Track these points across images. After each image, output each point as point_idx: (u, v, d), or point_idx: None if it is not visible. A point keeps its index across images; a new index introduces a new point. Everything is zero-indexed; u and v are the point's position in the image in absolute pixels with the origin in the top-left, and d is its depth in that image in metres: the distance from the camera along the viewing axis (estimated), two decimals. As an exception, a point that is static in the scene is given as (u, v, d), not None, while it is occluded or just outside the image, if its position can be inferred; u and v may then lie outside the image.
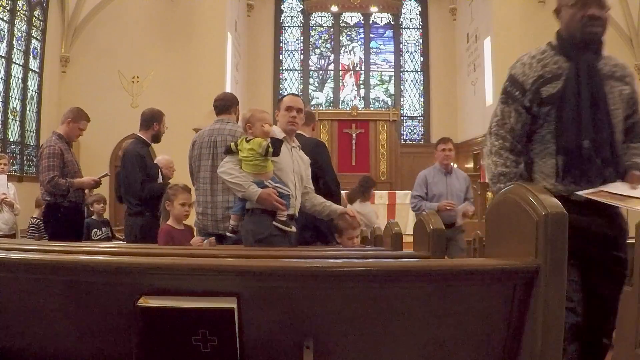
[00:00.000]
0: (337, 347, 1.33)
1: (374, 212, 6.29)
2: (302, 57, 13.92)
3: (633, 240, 3.20)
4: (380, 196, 10.74)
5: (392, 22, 14.00)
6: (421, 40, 13.88)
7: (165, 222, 3.58)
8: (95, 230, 5.67)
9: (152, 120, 4.34)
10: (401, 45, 13.97)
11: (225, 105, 4.04)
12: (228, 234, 3.26)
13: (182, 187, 3.63)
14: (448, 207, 4.90)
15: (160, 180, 4.48)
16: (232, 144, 3.16)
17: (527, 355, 1.29)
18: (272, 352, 1.33)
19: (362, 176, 6.73)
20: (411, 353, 1.34)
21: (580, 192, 2.02)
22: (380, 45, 14.09)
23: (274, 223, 3.05)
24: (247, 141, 3.08)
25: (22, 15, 9.69)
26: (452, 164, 5.35)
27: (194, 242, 3.51)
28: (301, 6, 13.75)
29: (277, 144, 3.06)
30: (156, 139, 4.41)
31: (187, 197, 3.58)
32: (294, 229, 3.16)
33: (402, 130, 13.67)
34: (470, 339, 1.34)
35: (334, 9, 12.49)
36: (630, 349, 3.04)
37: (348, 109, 13.13)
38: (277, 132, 3.23)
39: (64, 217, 4.18)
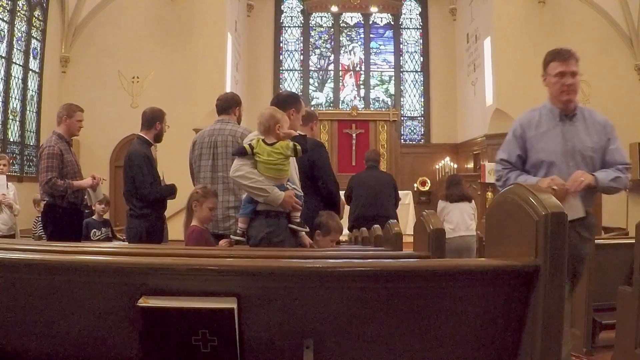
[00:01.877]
0: (337, 347, 1.33)
1: None
2: (302, 57, 13.91)
3: (633, 241, 3.20)
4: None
5: (392, 22, 13.99)
6: (421, 41, 13.87)
7: (189, 222, 3.53)
8: (95, 230, 5.65)
9: (154, 120, 4.27)
10: (401, 45, 13.96)
11: (224, 105, 4.03)
12: (237, 237, 3.12)
13: (213, 191, 3.58)
14: (554, 188, 2.48)
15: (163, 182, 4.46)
16: (247, 146, 2.98)
17: (527, 355, 1.29)
18: (272, 352, 1.33)
19: (450, 176, 7.01)
20: (411, 353, 1.34)
21: None
22: (380, 45, 14.08)
23: (290, 225, 3.02)
24: (270, 144, 2.95)
25: (22, 15, 9.68)
26: (577, 101, 2.81)
27: (222, 243, 3.47)
28: (301, 6, 13.73)
29: (302, 141, 2.99)
30: (158, 138, 4.35)
31: (216, 202, 3.55)
32: (307, 228, 3.15)
33: (402, 130, 13.66)
34: (470, 338, 1.34)
35: (334, 9, 12.48)
36: (631, 349, 3.04)
37: (348, 109, 13.13)
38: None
39: (62, 217, 4.16)
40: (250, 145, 2.99)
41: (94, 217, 5.69)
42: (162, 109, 4.39)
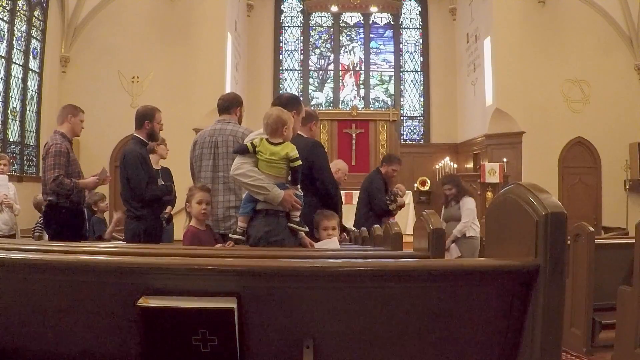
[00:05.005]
0: (337, 347, 1.33)
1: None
2: (302, 57, 13.91)
3: (633, 241, 3.20)
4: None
5: (392, 22, 13.99)
6: (421, 40, 13.87)
7: (189, 223, 3.54)
8: (104, 228, 5.70)
9: (143, 119, 4.22)
10: (401, 45, 13.95)
11: (225, 105, 4.03)
12: (236, 236, 3.12)
13: (199, 186, 3.59)
14: None
15: (160, 182, 4.45)
16: (250, 144, 3.01)
17: (527, 355, 1.29)
18: (272, 352, 1.33)
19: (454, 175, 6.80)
20: (411, 353, 1.34)
21: None
22: (380, 45, 14.08)
23: (290, 224, 3.03)
24: (276, 144, 2.98)
25: (22, 15, 9.68)
26: None
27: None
28: (301, 6, 13.73)
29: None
30: (152, 137, 4.30)
31: (204, 195, 3.51)
32: (306, 228, 3.15)
33: (402, 130, 13.66)
34: (470, 338, 1.34)
35: (334, 9, 12.46)
36: (630, 349, 3.04)
37: (348, 109, 13.11)
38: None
39: (64, 217, 4.14)
40: (252, 143, 3.01)
41: (97, 215, 5.69)
42: (156, 107, 4.34)
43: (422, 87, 13.81)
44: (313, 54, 14.02)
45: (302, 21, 13.95)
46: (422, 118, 13.79)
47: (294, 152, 2.99)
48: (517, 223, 1.33)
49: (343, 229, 4.74)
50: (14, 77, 9.52)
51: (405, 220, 10.02)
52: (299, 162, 3.02)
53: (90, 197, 5.39)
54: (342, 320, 1.32)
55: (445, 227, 5.65)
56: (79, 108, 4.43)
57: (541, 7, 10.81)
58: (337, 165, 5.66)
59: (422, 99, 13.78)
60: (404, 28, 13.97)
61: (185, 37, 10.78)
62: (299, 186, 3.17)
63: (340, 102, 13.77)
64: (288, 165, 3.02)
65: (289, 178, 3.07)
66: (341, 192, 4.80)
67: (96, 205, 5.60)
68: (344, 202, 5.58)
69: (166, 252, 2.43)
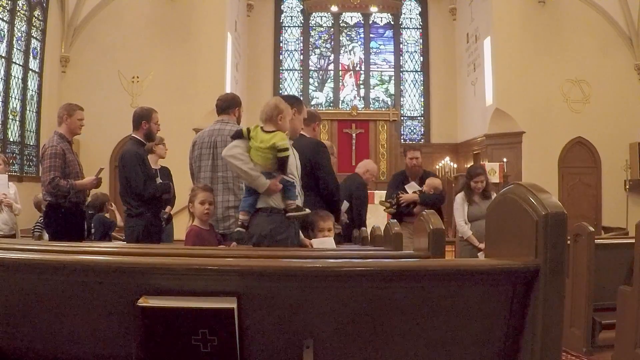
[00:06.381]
0: (337, 347, 1.33)
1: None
2: (302, 57, 13.90)
3: (633, 241, 3.20)
4: (381, 196, 10.71)
5: (392, 22, 13.99)
6: (421, 40, 13.87)
7: (192, 223, 3.55)
8: (109, 228, 5.71)
9: (140, 119, 4.29)
10: (401, 45, 13.95)
11: (224, 105, 4.05)
12: (237, 228, 3.16)
13: (202, 186, 3.60)
14: None
15: (159, 181, 4.47)
16: (245, 129, 3.07)
17: (527, 355, 1.29)
18: (272, 352, 1.33)
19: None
20: (411, 353, 1.34)
21: None
22: (380, 45, 14.08)
23: (289, 214, 3.04)
24: (268, 132, 3.01)
25: (22, 15, 9.67)
26: None
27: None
28: (301, 6, 13.73)
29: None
30: (149, 137, 4.37)
31: (206, 195, 3.52)
32: (308, 210, 3.16)
33: (402, 130, 13.66)
34: (470, 339, 1.34)
35: (334, 9, 12.43)
36: (630, 349, 3.04)
37: (348, 109, 13.11)
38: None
39: (64, 217, 4.17)
40: (247, 128, 3.06)
41: (101, 214, 5.69)
42: (153, 108, 4.40)
43: (422, 87, 13.80)
44: (313, 54, 14.02)
45: (302, 21, 13.95)
46: (422, 118, 13.79)
47: (282, 142, 2.99)
48: (517, 223, 1.33)
49: (347, 227, 4.71)
50: (14, 77, 9.52)
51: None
52: (286, 153, 3.02)
53: (103, 197, 5.46)
54: (342, 320, 1.32)
55: (471, 226, 5.01)
56: (76, 106, 4.44)
57: (541, 7, 10.81)
58: (367, 166, 5.56)
59: (422, 99, 13.78)
60: (404, 28, 13.97)
61: (185, 37, 10.77)
62: (297, 179, 3.17)
63: (340, 102, 13.77)
64: (275, 156, 3.02)
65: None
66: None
67: (109, 204, 5.65)
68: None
69: (166, 252, 2.43)
